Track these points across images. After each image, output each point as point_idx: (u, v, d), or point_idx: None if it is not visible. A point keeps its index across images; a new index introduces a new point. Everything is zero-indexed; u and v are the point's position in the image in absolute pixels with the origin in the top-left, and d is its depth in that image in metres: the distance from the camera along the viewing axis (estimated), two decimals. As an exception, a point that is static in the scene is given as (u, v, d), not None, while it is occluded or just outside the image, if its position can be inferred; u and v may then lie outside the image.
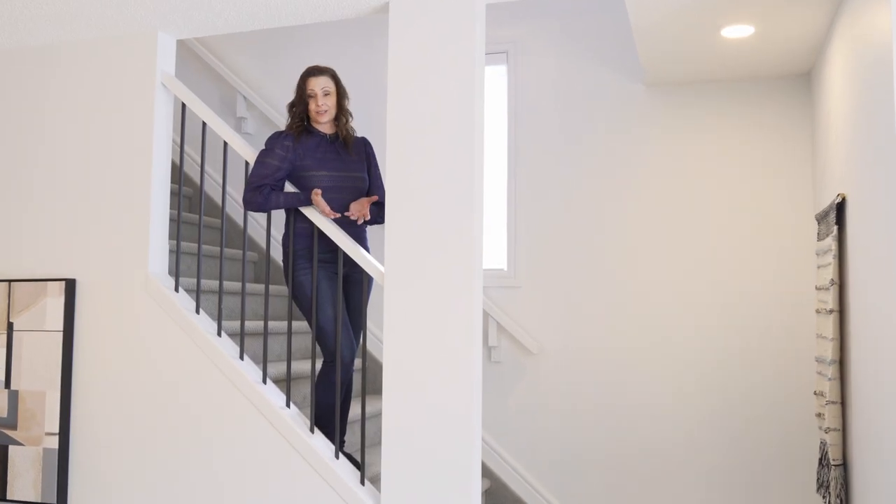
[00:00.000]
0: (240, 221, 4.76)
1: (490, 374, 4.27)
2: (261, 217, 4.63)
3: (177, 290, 3.30)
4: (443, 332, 2.85)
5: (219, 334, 3.21)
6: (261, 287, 4.11)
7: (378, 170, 3.37)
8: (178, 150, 4.79)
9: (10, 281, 3.45)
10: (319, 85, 3.19)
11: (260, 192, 3.11)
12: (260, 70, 4.84)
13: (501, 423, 4.25)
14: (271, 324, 3.81)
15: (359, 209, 3.14)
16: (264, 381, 3.12)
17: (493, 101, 4.43)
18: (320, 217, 3.10)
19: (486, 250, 4.34)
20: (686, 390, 4.02)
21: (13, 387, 3.40)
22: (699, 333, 4.02)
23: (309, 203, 3.09)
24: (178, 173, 4.66)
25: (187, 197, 4.88)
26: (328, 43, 4.63)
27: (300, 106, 3.22)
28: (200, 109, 3.32)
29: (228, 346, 3.19)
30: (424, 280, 2.89)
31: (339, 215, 3.12)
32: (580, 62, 4.25)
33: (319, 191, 3.04)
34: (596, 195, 4.20)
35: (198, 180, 4.85)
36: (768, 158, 3.99)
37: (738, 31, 3.38)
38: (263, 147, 3.19)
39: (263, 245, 4.70)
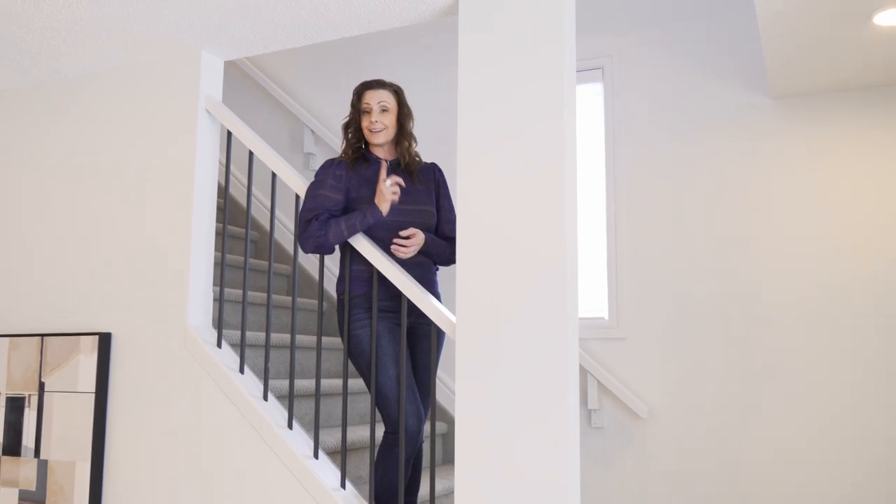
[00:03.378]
0: (289, 263, 4.32)
1: (590, 441, 3.61)
2: (317, 259, 4.18)
3: (219, 345, 2.84)
4: (530, 395, 2.27)
5: (265, 397, 2.72)
6: (313, 340, 3.61)
7: (450, 200, 2.83)
8: (229, 186, 4.43)
9: (42, 336, 3.08)
10: (376, 99, 2.70)
11: (316, 223, 2.61)
12: (329, 104, 4.44)
13: (604, 501, 3.57)
14: (325, 383, 3.29)
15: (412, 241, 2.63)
16: (315, 456, 2.60)
17: (587, 124, 3.85)
18: (380, 258, 2.58)
19: (583, 296, 3.73)
20: (832, 464, 3.25)
21: (42, 456, 3.00)
22: (845, 391, 3.26)
23: (380, 216, 2.59)
24: (223, 211, 4.28)
25: (236, 237, 4.49)
26: (402, 72, 4.18)
27: (354, 126, 2.74)
28: (247, 137, 2.90)
29: (275, 412, 2.70)
30: (505, 332, 2.32)
31: (397, 192, 2.62)
32: (691, 76, 3.64)
33: (386, 175, 2.57)
34: (714, 230, 3.53)
35: (259, 222, 4.45)
36: (931, 179, 3.25)
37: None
38: (314, 178, 2.71)
39: (324, 291, 4.23)
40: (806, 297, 3.36)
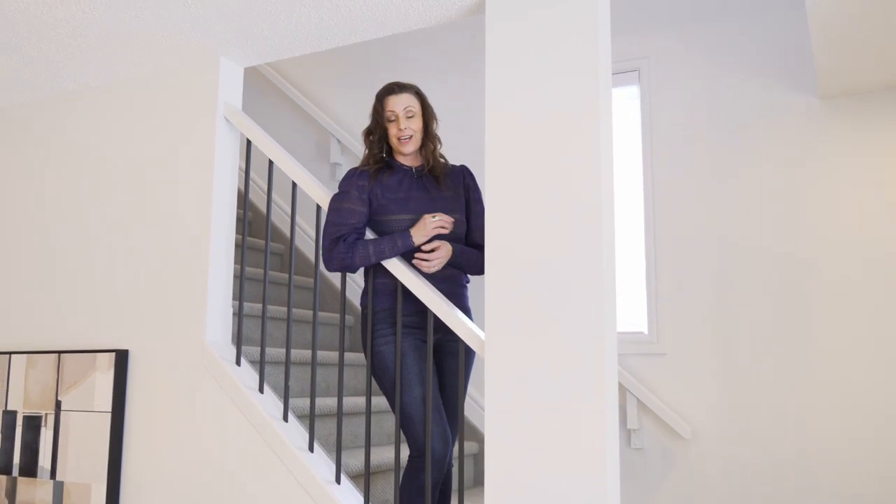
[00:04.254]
0: (314, 277, 4.19)
1: (630, 463, 3.42)
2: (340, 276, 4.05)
3: (238, 362, 2.72)
4: (566, 415, 2.10)
5: (285, 418, 2.59)
6: (335, 356, 3.46)
7: (481, 205, 2.66)
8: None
9: (59, 352, 2.98)
10: (401, 104, 2.56)
11: (343, 245, 2.48)
12: (356, 112, 4.31)
13: (646, 527, 3.38)
14: (350, 401, 3.14)
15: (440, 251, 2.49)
16: (338, 480, 2.45)
17: (623, 130, 3.68)
18: (405, 270, 2.43)
19: (620, 309, 3.54)
20: (894, 479, 3.02)
21: (59, 477, 2.90)
22: (911, 415, 3.04)
23: (411, 245, 2.45)
24: (243, 223, 4.16)
25: (258, 249, 4.38)
26: (430, 79, 4.04)
27: (378, 132, 2.60)
28: (267, 146, 2.78)
29: (295, 434, 2.56)
30: (538, 349, 2.16)
31: (442, 231, 2.49)
32: (732, 77, 3.45)
33: (430, 217, 2.46)
34: (758, 238, 3.33)
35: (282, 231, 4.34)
36: None
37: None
38: (337, 190, 2.58)
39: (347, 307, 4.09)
40: (856, 305, 3.14)
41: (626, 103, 3.69)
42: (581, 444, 2.09)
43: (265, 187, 4.36)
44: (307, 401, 2.96)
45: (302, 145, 4.45)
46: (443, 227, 2.48)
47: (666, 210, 3.51)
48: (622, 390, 3.41)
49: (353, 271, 2.50)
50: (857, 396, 3.12)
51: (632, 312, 3.56)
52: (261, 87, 4.61)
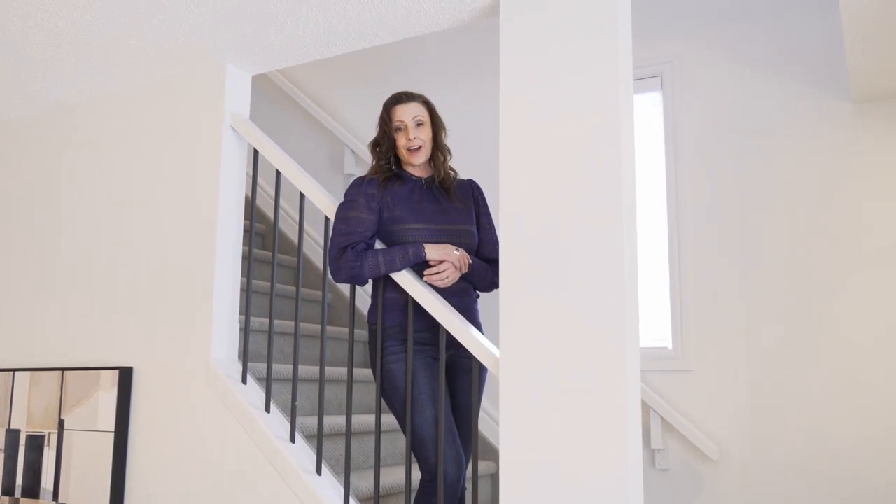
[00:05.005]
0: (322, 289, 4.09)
1: (655, 485, 3.27)
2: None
3: (244, 380, 2.62)
4: (585, 435, 1.98)
5: (292, 439, 2.48)
6: (345, 372, 3.31)
7: (489, 218, 2.56)
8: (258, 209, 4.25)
9: (62, 370, 2.90)
10: (409, 114, 2.45)
11: (351, 253, 2.36)
12: (371, 123, 4.20)
13: (672, 552, 3.22)
14: (360, 420, 3.02)
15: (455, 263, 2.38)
16: (346, 504, 2.34)
17: (646, 137, 3.55)
18: (416, 284, 2.32)
19: (643, 323, 3.40)
20: (940, 518, 2.85)
21: (61, 499, 2.81)
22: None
23: (423, 256, 2.34)
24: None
25: (266, 262, 4.28)
26: (447, 86, 3.93)
27: (385, 143, 2.50)
28: (275, 156, 2.69)
29: (303, 456, 2.45)
30: (556, 366, 2.04)
31: (463, 263, 2.40)
32: (760, 81, 3.31)
33: (454, 248, 2.38)
34: (788, 248, 3.18)
35: (290, 240, 4.25)
36: None
37: None
38: (344, 198, 2.47)
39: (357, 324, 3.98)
40: (891, 317, 2.98)
41: (648, 110, 3.56)
42: (603, 465, 1.96)
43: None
44: (315, 420, 2.85)
45: (315, 156, 4.36)
46: (461, 262, 2.38)
47: (691, 220, 3.37)
48: (645, 408, 3.26)
49: (362, 283, 2.39)
50: (893, 415, 2.95)
51: (655, 327, 3.42)
52: (272, 95, 4.54)
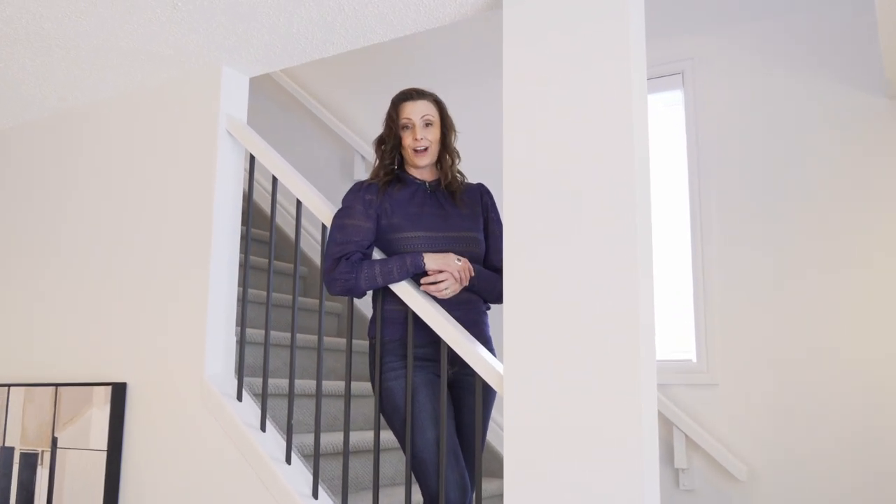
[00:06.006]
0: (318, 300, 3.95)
1: (678, 506, 3.09)
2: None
3: (239, 397, 2.49)
4: (598, 459, 1.83)
5: (287, 460, 2.34)
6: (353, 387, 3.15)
7: (499, 225, 2.39)
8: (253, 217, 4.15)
9: (56, 385, 2.80)
10: (418, 112, 2.30)
11: (345, 263, 2.22)
12: (379, 127, 4.09)
13: (698, 578, 3.03)
14: (360, 438, 2.86)
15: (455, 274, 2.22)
16: (343, 531, 2.19)
17: (666, 138, 3.37)
18: (416, 296, 2.18)
19: (666, 335, 3.22)
20: None
21: (54, 521, 2.70)
22: None
23: (422, 267, 2.19)
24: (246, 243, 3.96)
25: (263, 270, 4.16)
26: (457, 90, 3.79)
27: (391, 141, 2.35)
28: (272, 162, 2.56)
29: (299, 478, 2.31)
30: (564, 383, 1.89)
31: (465, 274, 2.24)
32: (787, 78, 3.12)
33: (456, 258, 2.21)
34: (820, 253, 2.98)
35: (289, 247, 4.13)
36: None
37: None
38: (341, 205, 2.33)
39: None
40: (941, 334, 2.77)
41: (668, 110, 3.38)
42: (618, 490, 1.80)
43: (282, 208, 4.17)
44: (311, 438, 2.71)
45: (324, 162, 4.24)
46: (461, 273, 2.22)
47: (715, 226, 3.19)
48: (668, 425, 3.08)
49: (358, 295, 2.24)
50: (938, 434, 2.74)
51: (679, 338, 3.23)
52: (280, 99, 4.43)
